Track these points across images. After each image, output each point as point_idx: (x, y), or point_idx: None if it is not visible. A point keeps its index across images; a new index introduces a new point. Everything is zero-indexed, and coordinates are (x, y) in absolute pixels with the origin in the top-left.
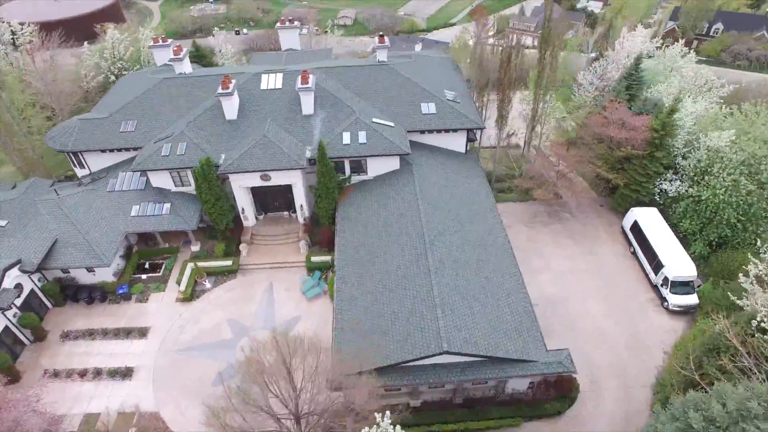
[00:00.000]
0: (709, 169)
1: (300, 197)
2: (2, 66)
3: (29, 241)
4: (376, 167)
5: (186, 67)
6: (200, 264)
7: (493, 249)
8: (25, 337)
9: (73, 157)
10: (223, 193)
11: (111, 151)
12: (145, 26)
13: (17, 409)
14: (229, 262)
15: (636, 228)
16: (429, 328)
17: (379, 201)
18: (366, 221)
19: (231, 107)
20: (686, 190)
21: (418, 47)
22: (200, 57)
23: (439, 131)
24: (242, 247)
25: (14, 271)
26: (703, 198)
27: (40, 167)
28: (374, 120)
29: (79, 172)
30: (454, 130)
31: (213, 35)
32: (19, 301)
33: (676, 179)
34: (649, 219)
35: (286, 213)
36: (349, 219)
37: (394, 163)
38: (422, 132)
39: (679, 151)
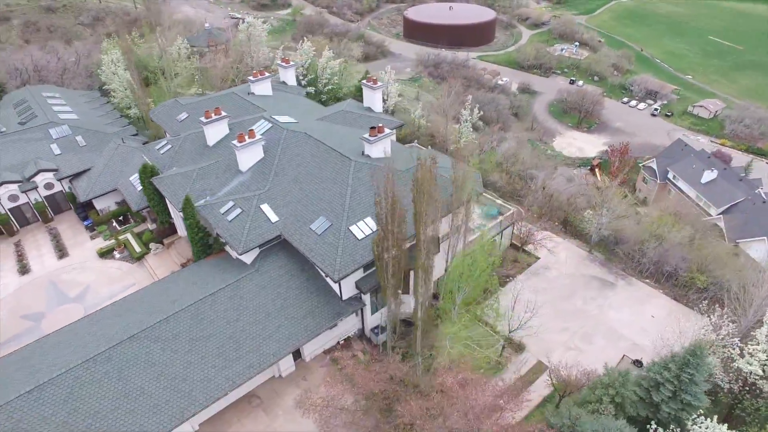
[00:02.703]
0: None
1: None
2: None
3: (80, 161)
4: None
5: (259, 89)
6: (126, 238)
7: (172, 395)
8: (38, 217)
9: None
10: (157, 196)
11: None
12: (503, 48)
13: None
14: (139, 250)
15: None
16: None
17: (196, 281)
18: (166, 288)
19: (209, 135)
20: None
21: (708, 175)
22: None
23: None
24: (153, 245)
25: (49, 174)
26: None
27: None
28: (262, 206)
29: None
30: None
31: (384, 71)
32: (44, 193)
33: None
34: None
35: None
36: (173, 275)
37: (246, 256)
38: None
39: None
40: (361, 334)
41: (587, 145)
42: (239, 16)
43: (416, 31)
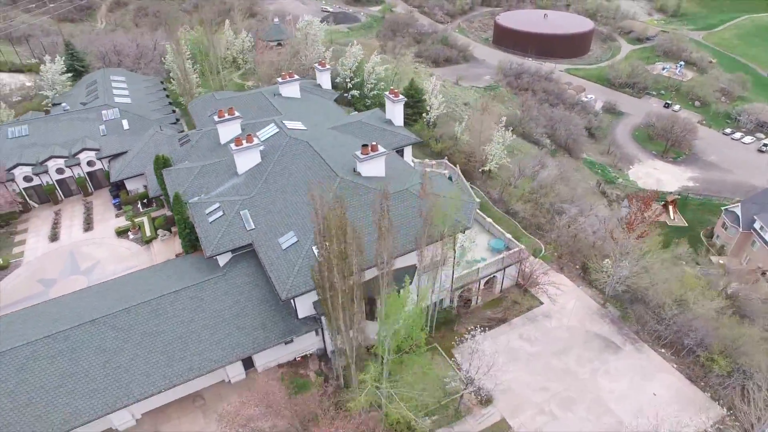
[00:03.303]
0: None
1: None
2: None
3: (120, 143)
4: None
5: (287, 91)
6: (142, 221)
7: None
8: (80, 190)
9: None
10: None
11: None
12: (595, 61)
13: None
14: (149, 234)
15: None
16: None
17: (172, 275)
18: (147, 277)
19: (221, 134)
20: None
21: None
22: (414, 96)
23: None
24: (161, 231)
25: (92, 153)
26: None
27: None
28: (242, 212)
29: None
30: None
31: (429, 80)
32: (86, 169)
33: None
34: None
35: None
36: (160, 264)
37: (220, 259)
38: None
39: None
40: (322, 354)
41: (668, 177)
42: (331, 9)
43: (506, 38)
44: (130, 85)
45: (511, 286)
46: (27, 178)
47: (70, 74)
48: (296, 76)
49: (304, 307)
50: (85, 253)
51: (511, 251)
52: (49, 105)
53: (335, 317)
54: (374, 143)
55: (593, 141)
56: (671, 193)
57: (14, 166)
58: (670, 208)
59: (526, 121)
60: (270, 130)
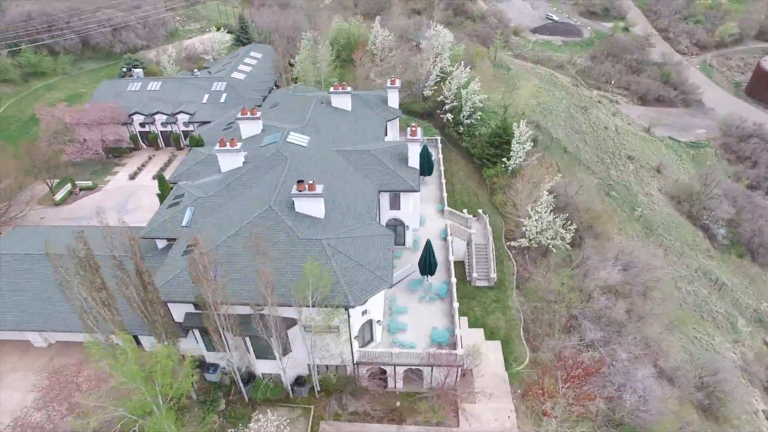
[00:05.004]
0: None
1: None
2: None
3: (211, 113)
4: None
5: (337, 102)
6: None
7: None
8: (173, 144)
9: None
10: None
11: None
12: None
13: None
14: None
15: None
16: None
17: None
18: None
19: (243, 130)
20: None
21: None
22: (501, 136)
23: None
24: None
25: (186, 116)
26: None
27: None
28: (189, 208)
29: None
30: None
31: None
32: (181, 128)
33: None
34: None
35: None
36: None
37: (160, 241)
38: None
39: None
40: (200, 365)
41: None
42: (556, 18)
43: (766, 87)
44: (259, 62)
45: (446, 388)
46: (141, 124)
47: (228, 44)
48: (349, 88)
49: (178, 313)
50: (138, 196)
51: (443, 352)
52: (202, 68)
53: None
54: (311, 182)
55: None
56: None
57: (134, 113)
58: None
59: (703, 198)
60: (273, 137)
